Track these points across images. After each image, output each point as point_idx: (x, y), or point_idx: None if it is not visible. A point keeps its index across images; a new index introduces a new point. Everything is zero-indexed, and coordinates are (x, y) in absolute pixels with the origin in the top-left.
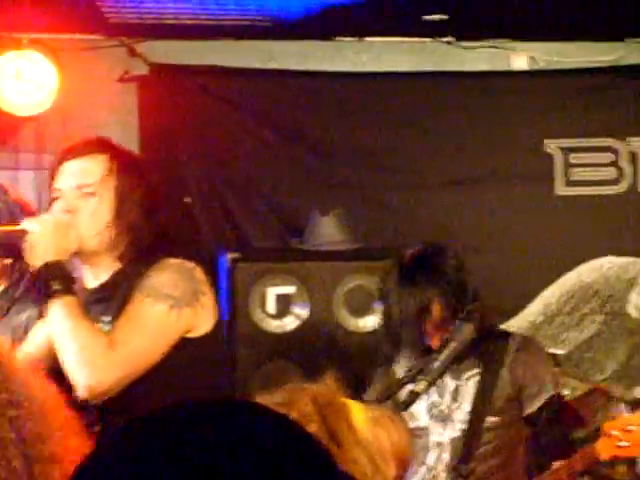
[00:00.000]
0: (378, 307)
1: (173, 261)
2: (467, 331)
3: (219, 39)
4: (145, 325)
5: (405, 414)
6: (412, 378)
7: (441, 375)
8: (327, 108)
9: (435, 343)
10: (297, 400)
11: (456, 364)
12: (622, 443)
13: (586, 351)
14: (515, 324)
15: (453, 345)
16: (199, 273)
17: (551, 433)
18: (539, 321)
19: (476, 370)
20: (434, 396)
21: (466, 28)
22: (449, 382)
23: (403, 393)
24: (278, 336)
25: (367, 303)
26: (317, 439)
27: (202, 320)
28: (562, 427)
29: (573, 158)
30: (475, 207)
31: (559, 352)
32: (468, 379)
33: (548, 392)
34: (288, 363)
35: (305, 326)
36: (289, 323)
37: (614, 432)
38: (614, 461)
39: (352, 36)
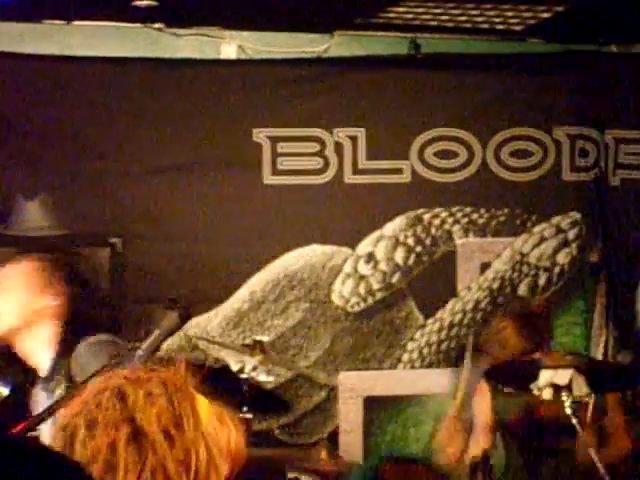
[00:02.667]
0: None
1: None
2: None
3: None
4: None
5: None
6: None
7: None
8: (36, 91)
9: None
10: (147, 379)
11: None
12: None
13: (291, 338)
14: (222, 311)
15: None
16: None
17: None
18: (245, 308)
19: None
20: None
21: (176, 15)
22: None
23: None
24: None
25: None
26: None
27: None
28: None
29: (281, 147)
30: (184, 195)
31: (264, 339)
32: None
33: None
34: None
35: None
36: None
37: None
38: None
39: (61, 19)
